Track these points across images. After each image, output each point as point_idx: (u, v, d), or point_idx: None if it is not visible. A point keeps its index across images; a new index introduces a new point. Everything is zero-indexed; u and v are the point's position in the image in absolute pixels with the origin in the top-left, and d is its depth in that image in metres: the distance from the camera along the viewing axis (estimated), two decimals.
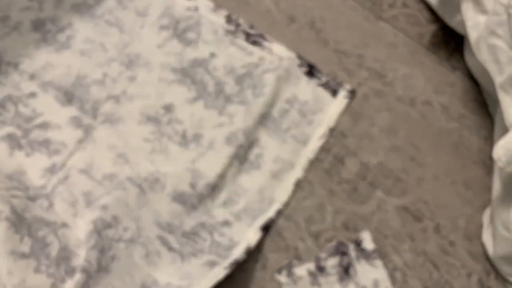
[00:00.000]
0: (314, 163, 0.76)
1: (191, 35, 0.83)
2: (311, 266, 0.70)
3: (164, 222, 0.70)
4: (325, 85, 0.81)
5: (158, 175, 0.73)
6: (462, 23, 0.73)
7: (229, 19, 0.85)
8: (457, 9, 0.75)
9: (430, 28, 0.85)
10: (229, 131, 0.77)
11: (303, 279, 0.69)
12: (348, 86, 0.82)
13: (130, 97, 0.78)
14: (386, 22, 0.85)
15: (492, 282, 0.72)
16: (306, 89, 0.81)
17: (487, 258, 0.73)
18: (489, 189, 0.76)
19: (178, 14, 0.85)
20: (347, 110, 0.79)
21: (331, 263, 0.70)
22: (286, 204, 0.74)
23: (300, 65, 0.83)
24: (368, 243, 0.72)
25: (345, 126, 0.78)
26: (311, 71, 0.82)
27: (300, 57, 0.83)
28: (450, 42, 0.84)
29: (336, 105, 0.81)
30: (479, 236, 0.74)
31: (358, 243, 0.72)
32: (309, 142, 0.78)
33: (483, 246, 0.73)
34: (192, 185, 0.73)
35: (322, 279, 0.69)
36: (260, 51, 0.83)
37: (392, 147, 0.78)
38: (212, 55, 0.82)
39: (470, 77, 0.82)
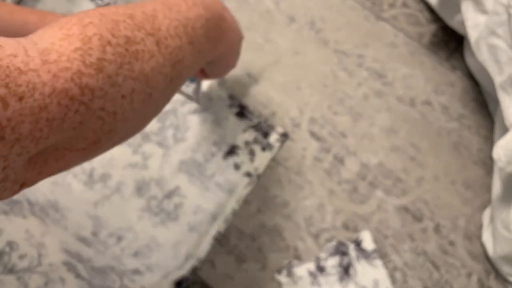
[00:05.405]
0: (314, 163, 0.76)
1: None
2: (311, 266, 0.70)
3: (72, 250, 0.63)
4: (256, 127, 0.76)
5: (58, 206, 0.67)
6: (462, 23, 0.73)
7: None
8: (457, 9, 0.75)
9: (430, 28, 0.85)
10: (141, 176, 0.72)
11: (303, 279, 0.69)
12: (280, 129, 0.76)
13: None
14: (386, 22, 0.85)
15: (492, 282, 0.72)
16: (235, 131, 0.76)
17: (487, 258, 0.73)
18: (489, 189, 0.76)
19: None
20: (347, 110, 0.80)
21: (331, 263, 0.70)
22: (286, 203, 0.74)
23: (231, 106, 0.77)
24: (368, 243, 0.72)
25: (345, 126, 0.78)
26: (242, 112, 0.77)
27: (231, 97, 0.77)
28: (450, 42, 0.84)
29: (266, 151, 0.76)
30: (479, 236, 0.74)
31: (358, 243, 0.72)
32: (234, 191, 0.72)
33: (483, 246, 0.73)
34: (94, 233, 0.68)
35: (322, 279, 0.69)
36: (190, 88, 0.77)
37: (392, 147, 0.78)
38: None
39: (470, 77, 0.82)
